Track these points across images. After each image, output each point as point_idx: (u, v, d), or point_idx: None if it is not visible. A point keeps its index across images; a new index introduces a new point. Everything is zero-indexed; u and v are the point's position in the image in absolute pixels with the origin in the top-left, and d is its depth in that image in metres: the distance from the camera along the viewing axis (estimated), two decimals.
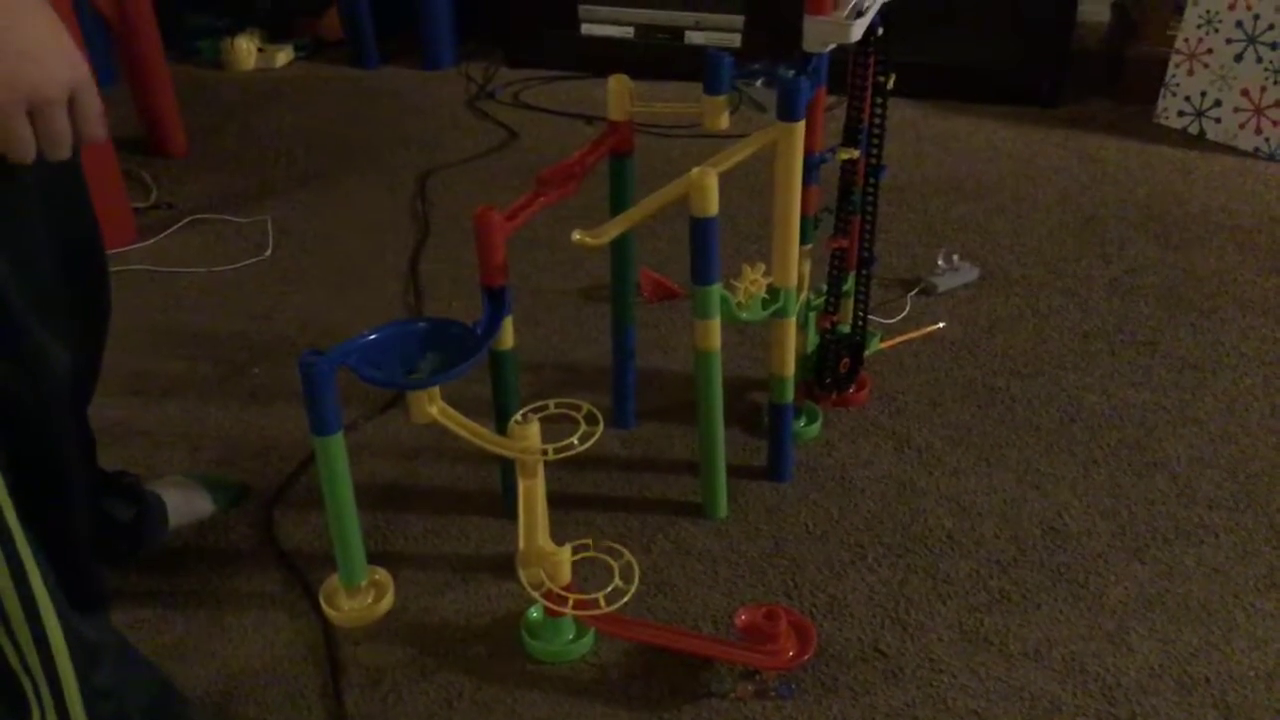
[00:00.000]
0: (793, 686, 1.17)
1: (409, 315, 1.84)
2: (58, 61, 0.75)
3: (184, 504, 1.37)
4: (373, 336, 1.16)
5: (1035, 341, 1.76)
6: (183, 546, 1.36)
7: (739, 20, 2.83)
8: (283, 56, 3.03)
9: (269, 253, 2.04)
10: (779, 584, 1.31)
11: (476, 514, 1.42)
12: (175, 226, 2.12)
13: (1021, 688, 1.17)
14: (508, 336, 1.26)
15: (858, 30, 1.24)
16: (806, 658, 1.17)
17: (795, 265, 1.32)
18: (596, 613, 1.16)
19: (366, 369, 1.14)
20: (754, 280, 1.30)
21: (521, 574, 1.17)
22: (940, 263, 1.92)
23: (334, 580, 1.28)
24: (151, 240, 2.07)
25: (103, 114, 0.80)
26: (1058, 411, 1.60)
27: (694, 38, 2.87)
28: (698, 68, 1.26)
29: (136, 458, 1.50)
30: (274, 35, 3.09)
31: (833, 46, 1.26)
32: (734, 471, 1.44)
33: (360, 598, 1.26)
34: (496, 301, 1.22)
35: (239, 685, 1.19)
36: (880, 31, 1.33)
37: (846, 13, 1.23)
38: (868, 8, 1.26)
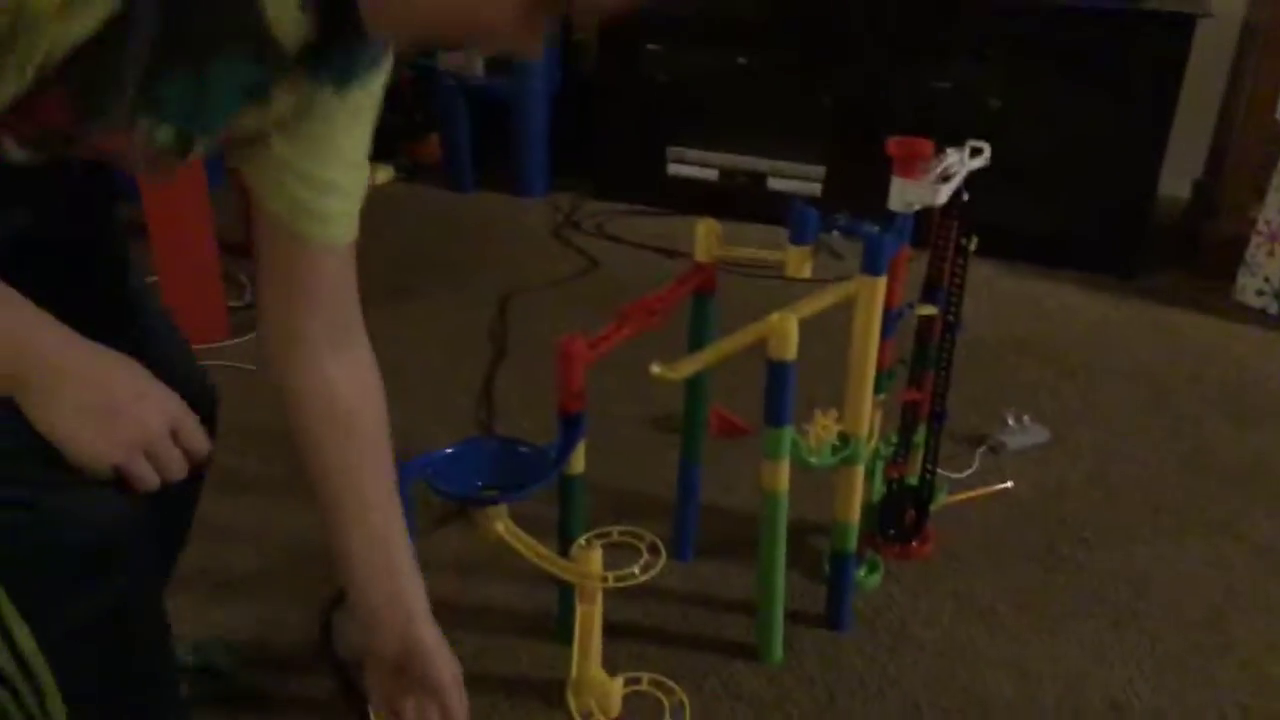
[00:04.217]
0: None
1: (480, 431, 1.88)
2: (150, 406, 0.81)
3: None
4: (449, 451, 1.19)
5: (1104, 510, 1.74)
6: (239, 646, 1.38)
7: (819, 170, 2.91)
8: (382, 175, 3.17)
9: None
10: None
11: (528, 636, 1.41)
12: None
13: None
14: (579, 461, 1.28)
15: (943, 195, 1.27)
16: None
17: (868, 414, 1.33)
18: None
19: (440, 482, 1.16)
20: (825, 426, 1.31)
21: (571, 702, 1.16)
22: (1010, 422, 1.91)
23: None
24: (241, 339, 2.15)
25: (200, 428, 0.84)
26: (1125, 585, 1.56)
27: (775, 184, 2.96)
28: (777, 211, 1.30)
29: (206, 552, 1.52)
30: (375, 155, 3.24)
31: (917, 208, 1.30)
32: (791, 615, 1.43)
33: None
34: (572, 427, 1.24)
35: None
36: (965, 196, 1.37)
37: (933, 177, 1.27)
38: (954, 174, 1.30)
